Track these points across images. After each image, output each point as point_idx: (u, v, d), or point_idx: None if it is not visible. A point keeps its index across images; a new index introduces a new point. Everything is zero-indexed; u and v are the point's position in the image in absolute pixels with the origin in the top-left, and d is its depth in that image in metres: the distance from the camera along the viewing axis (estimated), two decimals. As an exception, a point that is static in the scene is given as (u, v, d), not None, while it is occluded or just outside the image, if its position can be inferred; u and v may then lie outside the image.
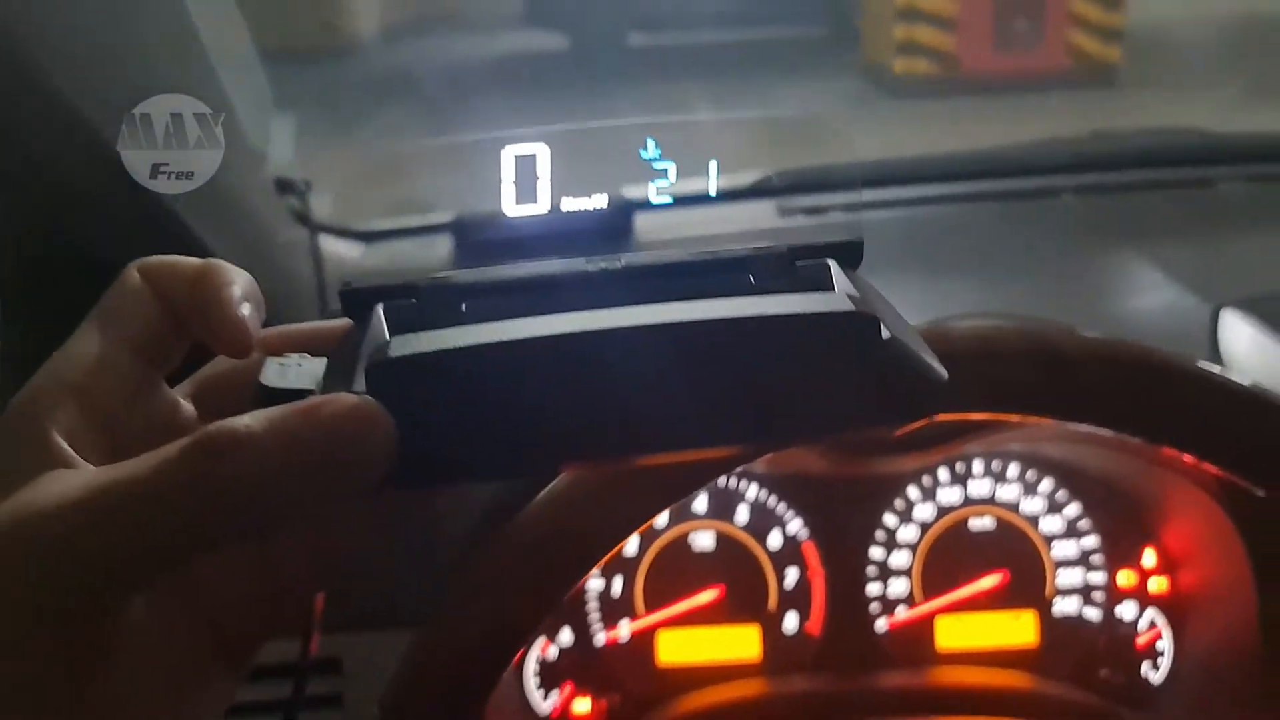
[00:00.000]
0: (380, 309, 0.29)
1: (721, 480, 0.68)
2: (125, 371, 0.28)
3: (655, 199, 0.31)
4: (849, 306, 0.27)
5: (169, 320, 0.29)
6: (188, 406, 0.31)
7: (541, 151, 0.31)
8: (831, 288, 0.29)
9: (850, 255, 0.31)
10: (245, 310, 0.29)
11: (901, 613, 0.68)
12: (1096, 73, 3.87)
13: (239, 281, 0.29)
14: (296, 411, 0.25)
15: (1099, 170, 0.97)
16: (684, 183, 0.32)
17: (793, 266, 0.30)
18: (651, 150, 0.31)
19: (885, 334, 0.26)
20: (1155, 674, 0.67)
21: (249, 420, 0.24)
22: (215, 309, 0.28)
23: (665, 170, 0.31)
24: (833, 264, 0.30)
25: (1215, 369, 0.44)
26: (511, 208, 0.31)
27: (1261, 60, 3.11)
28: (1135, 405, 0.41)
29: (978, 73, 3.88)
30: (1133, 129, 1.14)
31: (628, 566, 0.68)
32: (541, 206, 0.31)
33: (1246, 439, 0.42)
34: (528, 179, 0.31)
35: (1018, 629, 0.68)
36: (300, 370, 0.28)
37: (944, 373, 0.27)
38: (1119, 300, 0.78)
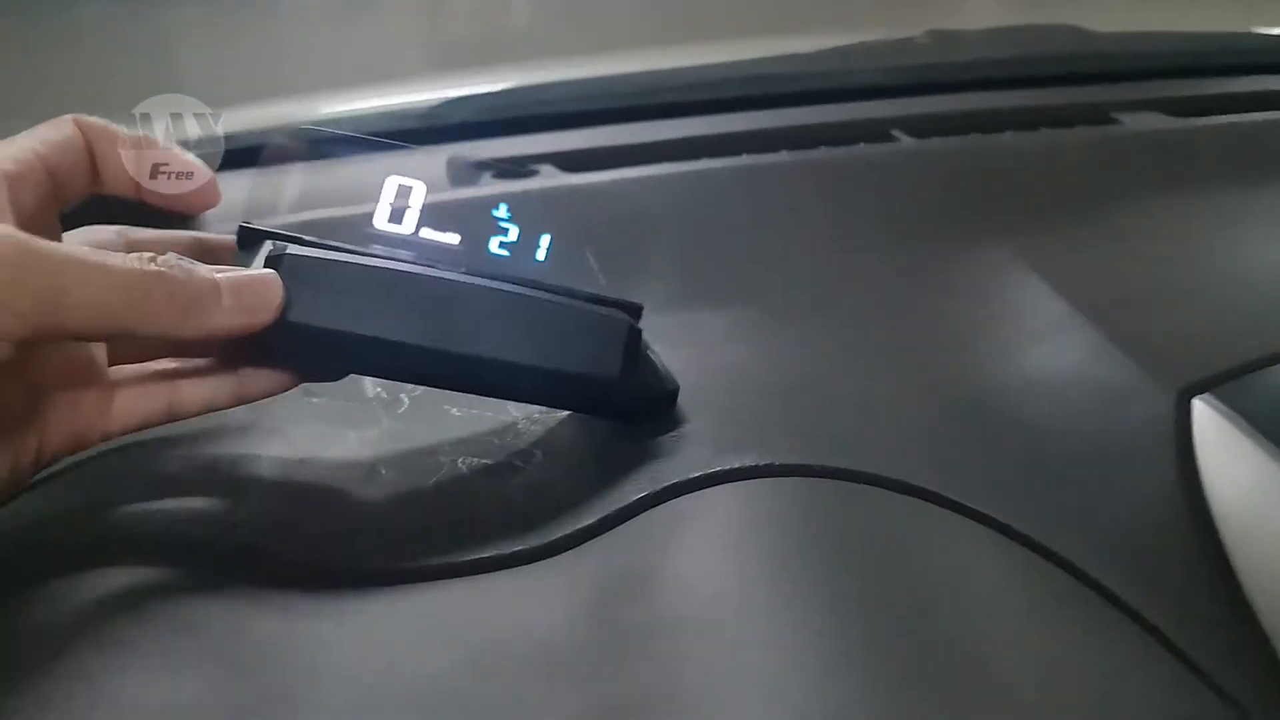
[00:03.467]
0: (269, 244, 0.34)
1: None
2: (36, 184, 0.31)
3: (495, 250, 0.37)
4: (625, 318, 0.36)
5: (88, 167, 0.33)
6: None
7: (418, 187, 0.36)
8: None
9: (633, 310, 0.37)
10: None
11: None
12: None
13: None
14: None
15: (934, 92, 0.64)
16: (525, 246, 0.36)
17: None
18: (503, 212, 0.37)
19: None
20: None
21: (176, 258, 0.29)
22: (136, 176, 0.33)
23: (507, 230, 0.37)
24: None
25: None
26: (382, 223, 0.36)
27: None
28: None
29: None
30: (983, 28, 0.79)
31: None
32: (406, 229, 0.36)
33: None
34: (401, 205, 0.36)
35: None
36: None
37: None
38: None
